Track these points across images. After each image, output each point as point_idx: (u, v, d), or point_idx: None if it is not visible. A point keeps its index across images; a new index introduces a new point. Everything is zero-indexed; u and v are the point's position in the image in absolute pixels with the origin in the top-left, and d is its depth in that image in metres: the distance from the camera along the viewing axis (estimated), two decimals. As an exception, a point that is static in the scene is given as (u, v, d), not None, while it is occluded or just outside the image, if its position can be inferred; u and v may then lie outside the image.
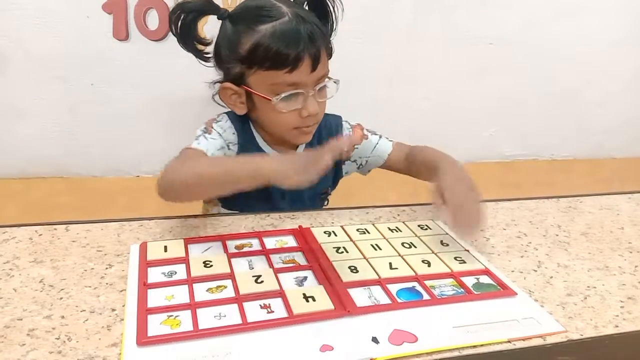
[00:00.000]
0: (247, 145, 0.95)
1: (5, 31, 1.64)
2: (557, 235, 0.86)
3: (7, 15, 1.63)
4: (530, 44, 2.09)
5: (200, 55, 0.94)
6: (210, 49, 0.94)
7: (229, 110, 0.96)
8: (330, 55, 0.91)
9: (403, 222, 0.85)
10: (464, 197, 0.78)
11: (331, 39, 0.94)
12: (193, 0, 0.89)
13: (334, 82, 0.92)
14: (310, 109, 0.88)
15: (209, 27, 0.97)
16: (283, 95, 0.86)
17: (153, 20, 1.70)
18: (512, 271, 0.73)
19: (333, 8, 0.94)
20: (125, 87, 1.77)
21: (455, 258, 0.74)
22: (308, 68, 0.85)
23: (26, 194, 1.70)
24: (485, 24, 2.02)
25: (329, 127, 1.02)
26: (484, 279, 0.70)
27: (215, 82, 0.94)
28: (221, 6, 0.92)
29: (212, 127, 0.93)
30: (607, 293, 0.69)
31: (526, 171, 2.18)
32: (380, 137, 1.04)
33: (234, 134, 0.94)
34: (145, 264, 0.69)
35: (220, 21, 0.92)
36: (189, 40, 0.92)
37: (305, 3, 0.93)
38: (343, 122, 1.04)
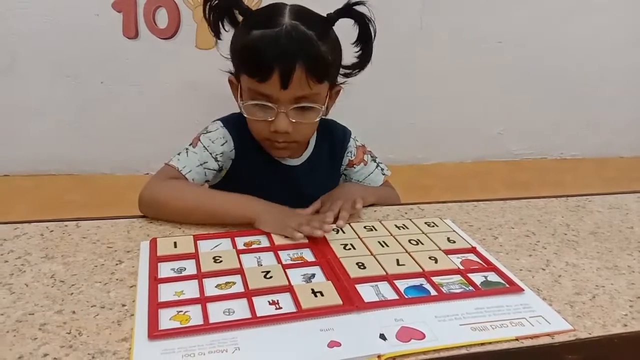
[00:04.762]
0: (245, 146, 0.97)
1: (15, 30, 1.65)
2: (565, 234, 0.86)
3: (17, 13, 1.64)
4: (539, 43, 2.08)
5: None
6: None
7: (226, 115, 0.99)
8: (320, 79, 0.86)
9: (410, 220, 0.86)
10: (333, 195, 0.91)
11: (358, 70, 0.94)
12: None
13: (319, 108, 0.89)
14: (278, 125, 0.87)
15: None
16: (250, 102, 0.87)
17: (162, 18, 1.71)
18: (520, 270, 0.73)
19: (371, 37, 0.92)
20: (135, 85, 1.78)
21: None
22: (277, 83, 0.83)
23: (37, 190, 1.72)
24: (493, 23, 2.02)
25: (338, 139, 1.04)
26: (492, 277, 0.70)
27: (227, 72, 0.95)
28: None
29: (199, 140, 0.95)
30: (616, 292, 0.68)
31: (534, 170, 2.17)
32: (378, 165, 1.07)
33: (224, 143, 0.95)
34: (155, 259, 0.69)
35: None
36: (218, 29, 0.92)
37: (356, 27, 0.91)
38: (351, 139, 1.06)
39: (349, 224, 0.83)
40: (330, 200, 0.88)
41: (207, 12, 0.90)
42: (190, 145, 0.94)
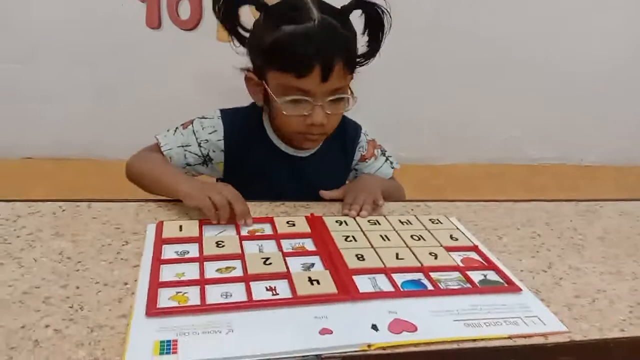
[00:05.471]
0: (247, 138, 0.97)
1: (41, 18, 1.69)
2: (572, 237, 0.85)
3: (43, 2, 1.69)
4: (558, 44, 2.05)
5: (239, 39, 0.93)
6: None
7: (229, 108, 1.00)
8: (351, 70, 0.89)
9: (415, 216, 0.86)
10: (357, 187, 0.94)
11: (369, 60, 0.94)
12: None
13: (352, 98, 0.90)
14: (315, 119, 0.87)
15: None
16: (288, 98, 0.87)
17: (185, 9, 1.73)
18: (521, 270, 0.73)
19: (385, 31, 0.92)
20: (156, 75, 1.81)
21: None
22: (318, 77, 0.84)
23: (56, 173, 1.76)
24: (511, 22, 1.99)
25: (349, 134, 1.04)
26: (491, 276, 0.70)
27: (243, 70, 0.95)
28: None
29: (192, 123, 0.97)
30: (617, 297, 0.68)
31: (551, 175, 2.14)
32: (387, 159, 1.08)
33: (213, 132, 0.96)
34: (160, 241, 0.71)
35: None
36: (230, 23, 0.91)
37: (364, 20, 0.91)
38: (362, 134, 1.06)
39: (353, 217, 0.84)
40: (353, 192, 0.90)
41: (216, 9, 0.88)
42: (181, 125, 0.97)
